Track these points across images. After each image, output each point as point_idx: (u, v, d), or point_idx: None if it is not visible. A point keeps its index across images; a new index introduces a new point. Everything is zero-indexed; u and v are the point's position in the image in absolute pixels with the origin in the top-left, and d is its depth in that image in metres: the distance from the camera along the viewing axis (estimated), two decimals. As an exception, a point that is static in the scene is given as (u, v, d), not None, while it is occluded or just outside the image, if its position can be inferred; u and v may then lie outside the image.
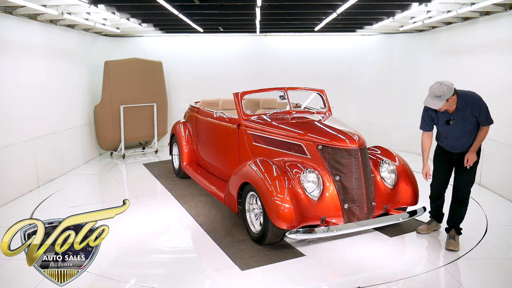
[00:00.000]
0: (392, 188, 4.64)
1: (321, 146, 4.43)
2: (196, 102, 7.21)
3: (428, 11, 6.58)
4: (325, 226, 4.16)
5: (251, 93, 5.63)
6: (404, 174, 4.75)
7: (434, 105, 4.01)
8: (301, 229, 4.07)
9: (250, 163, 4.60)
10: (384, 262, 4.14)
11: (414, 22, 7.37)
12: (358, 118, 9.76)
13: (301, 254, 4.25)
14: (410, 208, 4.79)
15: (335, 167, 4.34)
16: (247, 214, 4.58)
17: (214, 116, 5.85)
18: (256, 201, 4.48)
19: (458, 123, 4.11)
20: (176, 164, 7.28)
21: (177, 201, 5.99)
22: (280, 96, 5.83)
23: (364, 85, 9.86)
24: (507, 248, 4.45)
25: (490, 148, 6.41)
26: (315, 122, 5.11)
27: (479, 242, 4.52)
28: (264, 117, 5.36)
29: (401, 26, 8.16)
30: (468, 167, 4.23)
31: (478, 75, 6.80)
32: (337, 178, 4.31)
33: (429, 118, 4.31)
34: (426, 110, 4.29)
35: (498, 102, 6.23)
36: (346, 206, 4.27)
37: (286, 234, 4.13)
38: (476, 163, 4.25)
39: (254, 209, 4.54)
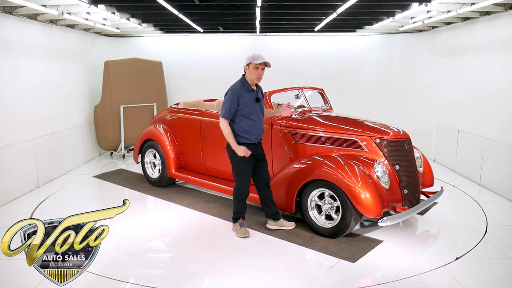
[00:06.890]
0: (422, 172, 5.17)
1: (378, 140, 4.73)
2: (176, 104, 6.88)
3: (428, 11, 6.58)
4: (397, 212, 4.50)
5: (278, 92, 5.62)
6: (424, 158, 5.39)
7: (264, 58, 4.63)
8: (385, 217, 4.33)
9: (311, 160, 4.76)
10: (383, 262, 4.14)
11: (414, 22, 7.37)
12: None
13: (379, 241, 4.56)
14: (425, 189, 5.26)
15: (394, 157, 4.72)
16: (310, 212, 4.72)
17: None
18: (322, 197, 4.65)
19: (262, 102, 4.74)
20: (151, 172, 6.71)
21: (190, 209, 5.57)
22: (296, 95, 5.90)
23: (364, 85, 9.86)
24: (507, 248, 4.45)
25: (490, 148, 6.42)
26: (354, 118, 5.45)
27: (479, 242, 4.53)
28: (305, 115, 5.45)
29: (401, 26, 8.16)
30: None
31: (478, 75, 6.80)
32: (397, 167, 4.69)
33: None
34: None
35: (498, 102, 6.24)
36: (405, 191, 4.68)
37: (378, 222, 4.34)
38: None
39: (321, 205, 4.66)
